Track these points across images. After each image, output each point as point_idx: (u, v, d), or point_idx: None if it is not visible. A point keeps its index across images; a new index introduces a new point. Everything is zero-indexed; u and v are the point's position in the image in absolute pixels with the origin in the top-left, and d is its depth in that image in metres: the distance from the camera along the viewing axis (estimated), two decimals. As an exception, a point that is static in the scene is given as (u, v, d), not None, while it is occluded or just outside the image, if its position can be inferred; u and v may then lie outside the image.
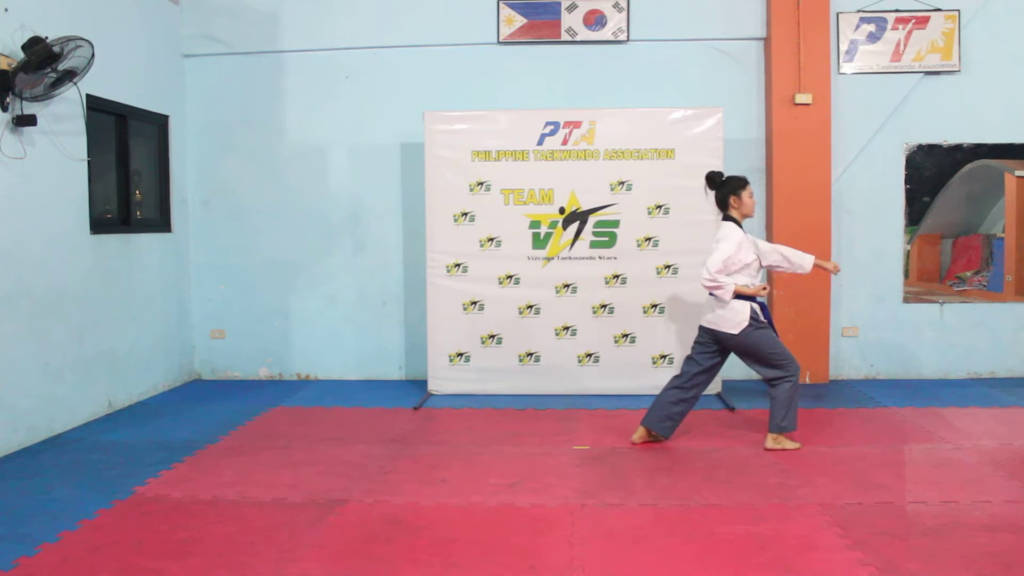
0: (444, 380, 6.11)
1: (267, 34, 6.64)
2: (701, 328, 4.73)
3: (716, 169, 5.03)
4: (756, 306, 4.55)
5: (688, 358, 4.79)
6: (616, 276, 6.01)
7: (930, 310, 6.59)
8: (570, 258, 6.01)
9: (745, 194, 4.63)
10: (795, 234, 6.33)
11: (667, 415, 4.74)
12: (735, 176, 4.69)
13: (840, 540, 3.33)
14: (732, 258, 4.50)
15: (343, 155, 6.71)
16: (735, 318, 4.52)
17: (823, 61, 6.32)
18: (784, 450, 4.61)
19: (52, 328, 5.04)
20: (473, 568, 3.12)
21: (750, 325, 4.51)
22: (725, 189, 4.65)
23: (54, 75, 4.73)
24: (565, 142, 5.96)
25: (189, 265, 6.79)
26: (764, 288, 4.54)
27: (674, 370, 6.00)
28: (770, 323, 4.61)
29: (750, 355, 4.61)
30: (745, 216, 4.66)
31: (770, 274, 6.44)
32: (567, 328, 6.05)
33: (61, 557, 3.23)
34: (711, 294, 4.59)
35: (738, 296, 4.49)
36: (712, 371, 4.77)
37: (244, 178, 6.76)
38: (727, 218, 4.64)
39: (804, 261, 4.74)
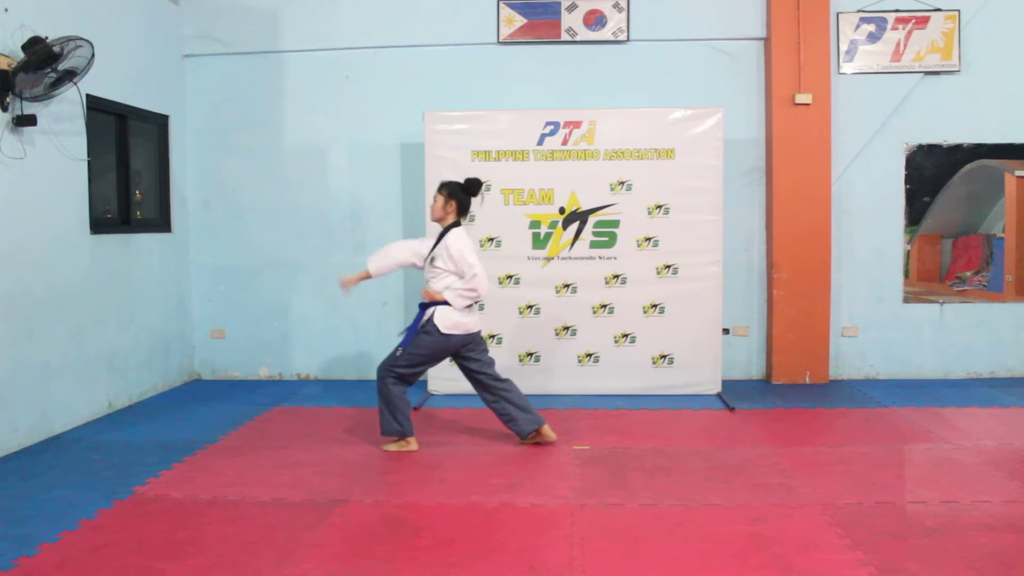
0: (444, 380, 6.09)
1: (267, 34, 6.64)
2: (468, 337, 4.65)
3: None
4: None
5: (486, 375, 4.73)
6: (616, 276, 6.01)
7: (930, 310, 6.59)
8: (570, 258, 6.01)
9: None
10: (795, 234, 6.34)
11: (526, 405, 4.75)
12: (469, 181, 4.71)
13: (840, 540, 3.33)
14: None
15: (343, 155, 6.71)
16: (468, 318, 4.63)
17: (823, 61, 6.31)
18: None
19: (52, 328, 5.04)
20: (473, 568, 3.12)
21: None
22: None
23: (54, 75, 4.72)
24: (565, 142, 5.96)
25: (189, 265, 6.79)
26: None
27: (674, 370, 6.04)
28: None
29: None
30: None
31: (769, 274, 6.45)
32: (567, 328, 6.05)
33: (61, 557, 3.23)
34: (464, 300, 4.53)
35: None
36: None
37: (244, 178, 6.76)
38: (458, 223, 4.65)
39: None
